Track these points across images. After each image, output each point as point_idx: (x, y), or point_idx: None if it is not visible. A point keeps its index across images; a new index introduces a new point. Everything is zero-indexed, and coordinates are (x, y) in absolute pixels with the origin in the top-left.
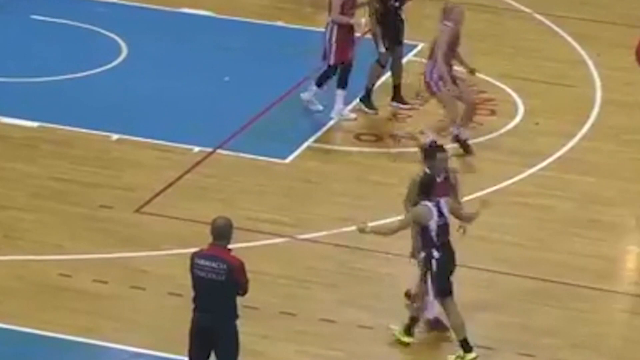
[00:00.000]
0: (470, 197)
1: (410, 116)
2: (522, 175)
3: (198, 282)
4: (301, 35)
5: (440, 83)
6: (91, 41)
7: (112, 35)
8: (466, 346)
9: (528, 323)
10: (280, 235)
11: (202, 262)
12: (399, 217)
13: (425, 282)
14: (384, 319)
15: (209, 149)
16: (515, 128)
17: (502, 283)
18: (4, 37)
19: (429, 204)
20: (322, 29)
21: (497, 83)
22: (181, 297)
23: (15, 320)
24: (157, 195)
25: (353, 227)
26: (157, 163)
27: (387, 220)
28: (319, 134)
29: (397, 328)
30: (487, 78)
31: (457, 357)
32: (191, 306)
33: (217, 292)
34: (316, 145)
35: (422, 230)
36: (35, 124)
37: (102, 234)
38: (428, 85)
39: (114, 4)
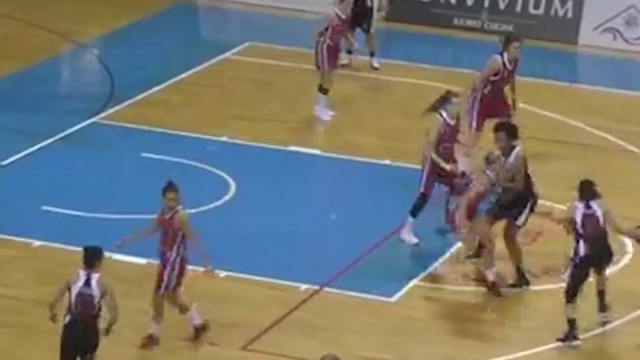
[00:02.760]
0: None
1: None
2: (629, 316)
3: None
4: (408, 174)
5: None
6: (200, 179)
7: (220, 172)
8: None
9: None
10: None
11: None
12: None
13: None
14: None
15: (316, 287)
16: (626, 267)
17: None
18: (115, 175)
19: None
20: None
21: None
22: None
23: None
24: (263, 332)
25: None
26: (263, 300)
27: None
28: (425, 272)
29: None
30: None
31: None
32: None
33: None
34: (422, 284)
35: None
36: (144, 261)
37: None
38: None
39: (223, 142)
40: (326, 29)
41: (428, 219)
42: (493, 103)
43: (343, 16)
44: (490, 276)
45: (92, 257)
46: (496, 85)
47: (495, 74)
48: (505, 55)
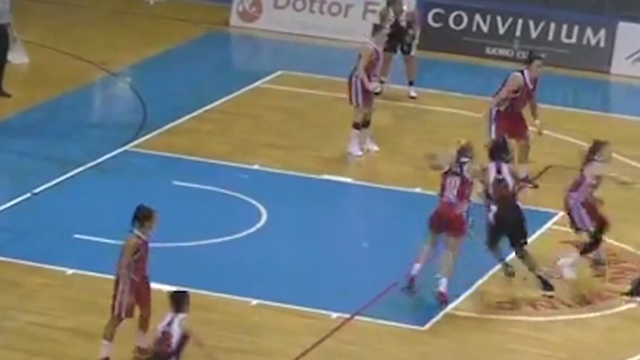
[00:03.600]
0: None
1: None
2: None
3: None
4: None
5: None
6: (232, 207)
7: (252, 201)
8: None
9: None
10: None
11: None
12: None
13: None
14: None
15: (347, 315)
16: None
17: None
18: (147, 203)
19: None
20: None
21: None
22: None
23: None
24: None
25: None
26: (295, 329)
27: None
28: (457, 301)
29: None
30: (627, 247)
31: None
32: None
33: None
34: (454, 312)
35: None
36: (175, 289)
37: None
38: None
39: (255, 170)
40: (362, 63)
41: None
42: (510, 121)
43: (379, 48)
44: (442, 287)
45: (180, 302)
46: (515, 103)
47: (515, 92)
48: (527, 72)
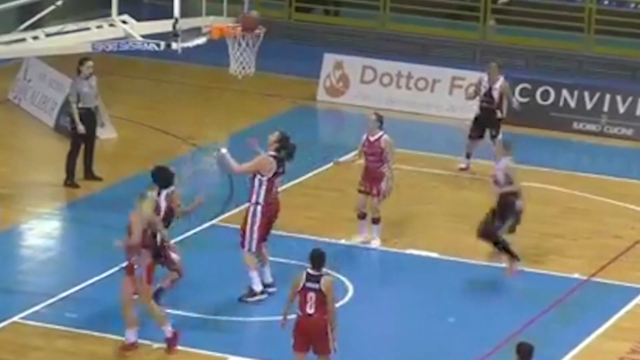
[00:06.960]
0: None
1: None
2: None
3: None
4: (524, 277)
5: None
6: None
7: (338, 275)
8: None
9: None
10: None
11: None
12: None
13: None
14: None
15: None
16: None
17: None
18: (235, 277)
19: None
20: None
21: None
22: None
23: None
24: None
25: None
26: None
27: None
28: None
29: None
30: None
31: None
32: None
33: None
34: None
35: None
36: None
37: None
38: None
39: (341, 244)
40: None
41: (555, 318)
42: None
43: None
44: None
45: (530, 353)
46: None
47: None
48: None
